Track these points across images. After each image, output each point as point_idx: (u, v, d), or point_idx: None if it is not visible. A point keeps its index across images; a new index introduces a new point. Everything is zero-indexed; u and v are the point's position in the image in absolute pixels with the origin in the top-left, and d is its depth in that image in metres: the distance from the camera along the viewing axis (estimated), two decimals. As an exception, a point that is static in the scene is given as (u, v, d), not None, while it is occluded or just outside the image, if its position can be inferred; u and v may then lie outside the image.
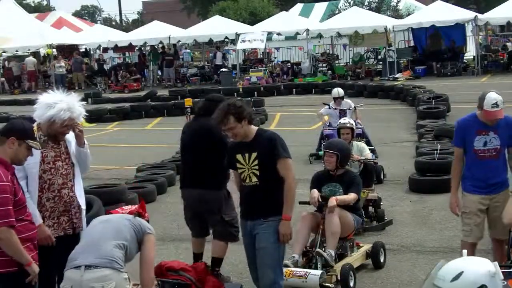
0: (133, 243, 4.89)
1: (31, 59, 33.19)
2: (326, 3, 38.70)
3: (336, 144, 7.51)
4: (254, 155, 5.42)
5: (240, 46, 29.60)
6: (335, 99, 13.23)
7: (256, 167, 5.42)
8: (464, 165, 6.10)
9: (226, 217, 6.58)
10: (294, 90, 26.02)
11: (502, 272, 4.13)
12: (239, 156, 5.51)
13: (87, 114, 5.56)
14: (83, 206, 5.47)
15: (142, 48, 33.72)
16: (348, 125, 9.69)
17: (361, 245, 7.31)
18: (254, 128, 5.51)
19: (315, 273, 6.37)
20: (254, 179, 5.44)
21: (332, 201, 6.79)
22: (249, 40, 28.94)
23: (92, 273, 4.59)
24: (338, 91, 13.46)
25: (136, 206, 5.19)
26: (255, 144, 5.44)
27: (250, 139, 5.47)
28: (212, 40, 32.46)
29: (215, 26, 31.10)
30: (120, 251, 4.74)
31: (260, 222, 5.44)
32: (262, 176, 5.42)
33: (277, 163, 5.37)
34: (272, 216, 5.40)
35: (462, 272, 2.89)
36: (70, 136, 5.48)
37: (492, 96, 5.84)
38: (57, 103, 5.23)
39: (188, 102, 14.37)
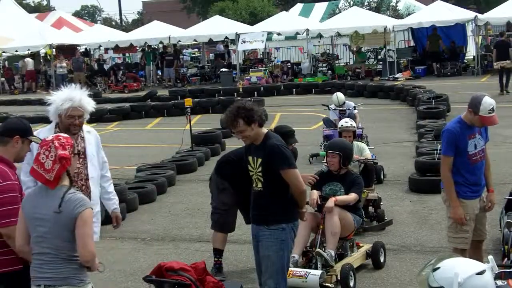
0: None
1: (30, 60, 33.18)
2: (326, 3, 38.66)
3: (338, 144, 7.50)
4: (259, 160, 5.35)
5: (240, 47, 29.59)
6: (336, 106, 13.12)
7: (260, 173, 5.36)
8: (452, 172, 5.94)
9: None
10: (294, 90, 26.01)
11: (502, 272, 4.14)
12: (250, 158, 5.45)
13: (94, 106, 5.62)
14: (96, 209, 5.49)
15: (145, 48, 33.76)
16: (350, 128, 9.72)
17: (361, 245, 7.31)
18: (264, 131, 5.38)
19: (315, 273, 6.38)
20: (259, 184, 5.39)
21: (330, 202, 6.79)
22: (249, 41, 28.93)
23: None
24: (338, 98, 13.08)
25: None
26: (261, 149, 5.33)
27: (259, 142, 5.36)
28: (212, 40, 32.45)
29: (215, 26, 31.10)
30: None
31: (263, 229, 5.39)
32: (266, 183, 5.35)
33: (281, 173, 5.26)
34: (275, 224, 5.32)
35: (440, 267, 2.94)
36: (92, 137, 5.53)
37: (488, 101, 5.77)
38: (58, 97, 5.37)
39: (188, 102, 14.35)
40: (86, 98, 5.47)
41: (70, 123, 5.37)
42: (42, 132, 5.40)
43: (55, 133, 5.30)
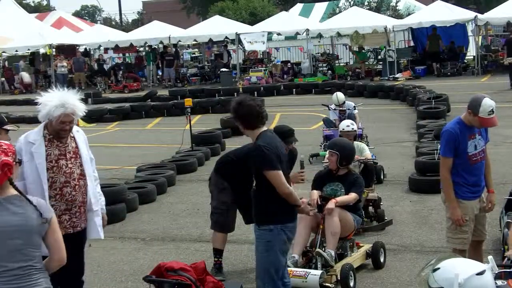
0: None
1: (26, 74, 32.88)
2: (326, 3, 38.67)
3: (337, 144, 7.49)
4: None
5: (246, 46, 29.61)
6: (336, 105, 13.10)
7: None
8: (451, 172, 5.93)
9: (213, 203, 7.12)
10: (294, 90, 26.02)
11: (502, 272, 4.15)
12: None
13: (85, 110, 5.52)
14: (96, 207, 5.48)
15: (142, 48, 33.74)
16: (351, 132, 9.73)
17: (361, 245, 7.31)
18: (257, 132, 5.38)
19: (315, 273, 6.38)
20: (254, 183, 5.44)
21: (331, 204, 6.78)
22: (250, 41, 28.95)
23: None
24: (338, 98, 13.06)
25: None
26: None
27: (254, 141, 5.43)
28: (212, 40, 32.46)
29: (215, 26, 31.09)
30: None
31: (256, 229, 5.43)
32: (256, 183, 5.39)
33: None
34: (264, 225, 5.33)
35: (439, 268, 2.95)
36: (82, 137, 5.51)
37: (488, 103, 5.74)
38: (50, 100, 5.27)
39: (188, 102, 14.36)
40: (78, 103, 5.34)
41: (61, 128, 5.29)
42: (32, 134, 5.34)
43: (43, 134, 5.27)
